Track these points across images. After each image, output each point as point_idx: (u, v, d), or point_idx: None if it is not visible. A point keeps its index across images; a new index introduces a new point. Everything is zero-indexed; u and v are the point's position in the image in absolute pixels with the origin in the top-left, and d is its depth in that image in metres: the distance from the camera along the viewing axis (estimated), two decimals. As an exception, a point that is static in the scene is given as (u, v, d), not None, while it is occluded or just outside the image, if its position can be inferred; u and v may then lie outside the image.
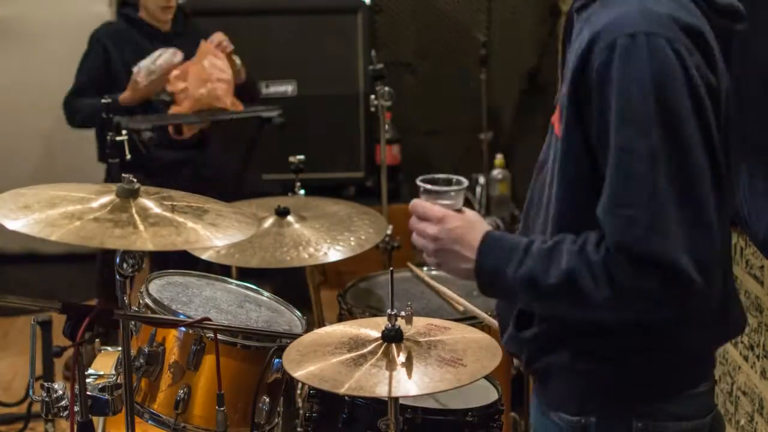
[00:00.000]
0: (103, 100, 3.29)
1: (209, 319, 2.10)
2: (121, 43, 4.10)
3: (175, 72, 3.89)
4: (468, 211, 1.74)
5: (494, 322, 2.20)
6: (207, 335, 2.17)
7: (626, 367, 1.68)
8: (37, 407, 3.27)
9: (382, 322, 1.91)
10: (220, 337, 2.16)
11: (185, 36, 4.19)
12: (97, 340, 1.93)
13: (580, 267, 1.54)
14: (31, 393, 2.16)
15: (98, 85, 4.01)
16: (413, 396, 1.92)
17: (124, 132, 3.27)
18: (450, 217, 1.70)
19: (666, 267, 1.49)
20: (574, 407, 1.71)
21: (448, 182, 1.77)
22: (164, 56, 3.92)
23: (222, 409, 2.08)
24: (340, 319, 2.84)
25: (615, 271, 1.51)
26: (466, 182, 1.78)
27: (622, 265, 1.51)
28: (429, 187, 1.76)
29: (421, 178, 1.78)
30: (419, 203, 1.75)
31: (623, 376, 1.68)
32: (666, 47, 1.51)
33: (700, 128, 1.51)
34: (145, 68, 3.88)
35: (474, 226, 1.69)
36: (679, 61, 1.51)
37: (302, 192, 3.20)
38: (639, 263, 1.50)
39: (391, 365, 1.84)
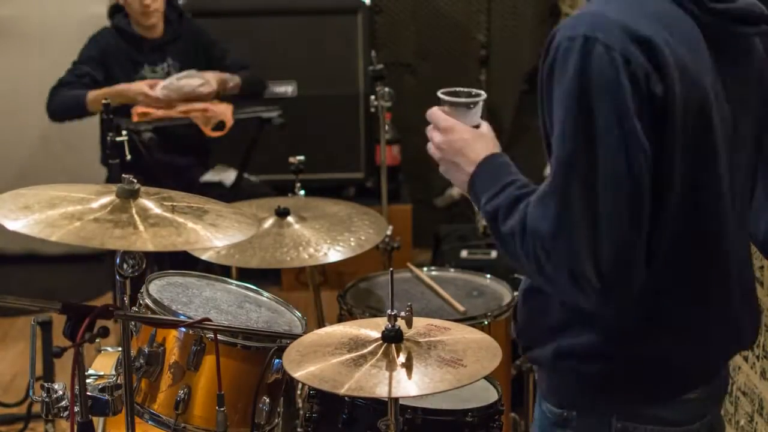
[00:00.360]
0: (103, 102, 3.29)
1: (209, 320, 2.10)
2: (112, 53, 4.02)
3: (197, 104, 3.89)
4: (483, 126, 1.77)
5: None
6: (207, 336, 2.17)
7: (609, 368, 1.69)
8: (37, 408, 3.29)
9: (382, 322, 1.91)
10: (220, 337, 2.16)
11: (179, 41, 4.11)
12: (98, 339, 1.92)
13: (519, 233, 1.59)
14: (31, 393, 2.16)
15: (87, 85, 3.94)
16: (413, 396, 1.93)
17: (124, 133, 3.26)
18: (456, 128, 1.74)
19: (568, 267, 1.54)
20: (557, 399, 1.75)
21: (469, 95, 1.77)
22: (190, 81, 3.87)
23: (222, 409, 2.08)
24: (341, 319, 2.84)
25: (536, 251, 1.57)
26: (483, 95, 1.78)
27: (536, 248, 1.56)
28: (446, 98, 1.76)
29: (442, 90, 1.79)
30: (434, 111, 1.78)
31: (605, 377, 1.69)
32: (602, 53, 1.51)
33: (621, 137, 1.51)
34: (166, 85, 3.84)
35: (479, 140, 1.73)
36: (612, 67, 1.51)
37: (302, 192, 3.20)
38: (548, 254, 1.55)
39: (391, 366, 1.84)
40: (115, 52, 4.03)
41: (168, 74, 4.03)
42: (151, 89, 3.84)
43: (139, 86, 3.87)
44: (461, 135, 1.73)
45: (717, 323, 1.73)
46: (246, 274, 3.15)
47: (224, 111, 3.90)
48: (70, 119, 4.01)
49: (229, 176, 4.19)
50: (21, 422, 3.53)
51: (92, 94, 3.86)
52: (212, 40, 4.22)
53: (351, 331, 1.97)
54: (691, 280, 1.68)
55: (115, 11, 4.13)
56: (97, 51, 4.01)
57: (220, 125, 3.92)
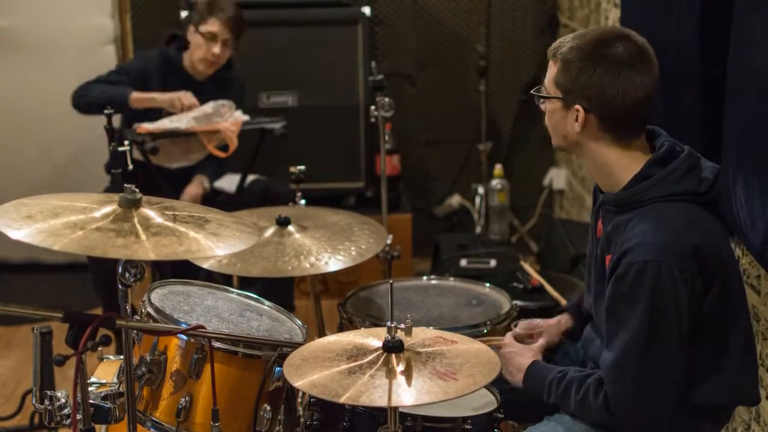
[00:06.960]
0: (105, 111, 3.30)
1: (203, 327, 2.11)
2: (149, 77, 3.99)
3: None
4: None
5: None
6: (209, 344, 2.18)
7: None
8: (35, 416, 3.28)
9: (382, 332, 1.92)
10: (221, 345, 2.18)
11: (220, 89, 4.06)
12: (101, 348, 1.94)
13: (582, 413, 2.20)
14: (34, 402, 2.17)
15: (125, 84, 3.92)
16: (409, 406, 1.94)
17: (126, 142, 3.28)
18: (506, 343, 2.43)
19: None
20: None
21: None
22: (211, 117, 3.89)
23: (217, 424, 2.09)
24: (341, 328, 2.86)
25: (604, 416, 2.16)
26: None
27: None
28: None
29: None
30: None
31: None
32: (668, 276, 2.01)
33: (678, 332, 2.06)
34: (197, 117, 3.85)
35: (520, 353, 2.38)
36: (678, 287, 2.03)
37: (303, 202, 3.22)
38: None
39: (390, 375, 1.86)
40: (154, 77, 4.00)
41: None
42: (182, 105, 3.86)
43: (170, 99, 3.88)
44: (507, 348, 2.41)
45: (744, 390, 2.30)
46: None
47: (231, 136, 3.88)
48: (100, 111, 3.96)
49: (232, 183, 4.19)
50: (24, 433, 3.52)
51: (136, 94, 3.85)
52: (242, 98, 4.19)
53: (352, 340, 1.99)
54: None
55: (170, 40, 4.08)
56: (135, 75, 3.98)
57: (224, 147, 3.93)
